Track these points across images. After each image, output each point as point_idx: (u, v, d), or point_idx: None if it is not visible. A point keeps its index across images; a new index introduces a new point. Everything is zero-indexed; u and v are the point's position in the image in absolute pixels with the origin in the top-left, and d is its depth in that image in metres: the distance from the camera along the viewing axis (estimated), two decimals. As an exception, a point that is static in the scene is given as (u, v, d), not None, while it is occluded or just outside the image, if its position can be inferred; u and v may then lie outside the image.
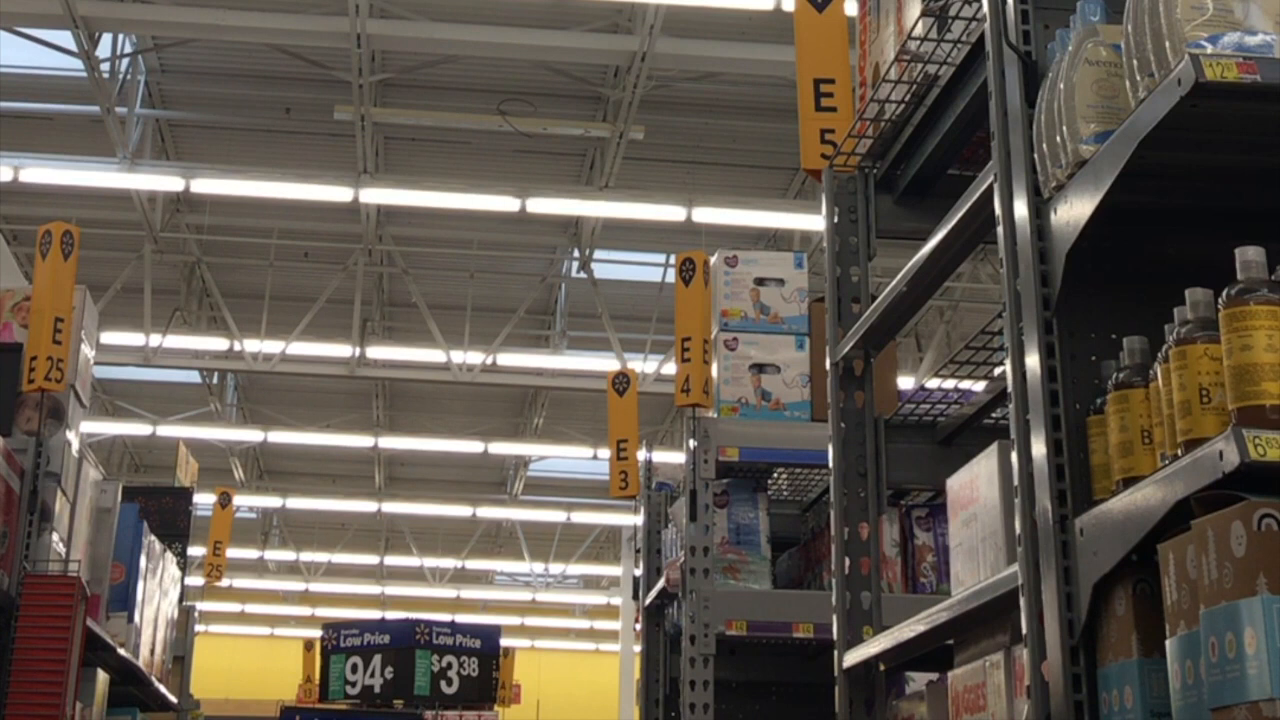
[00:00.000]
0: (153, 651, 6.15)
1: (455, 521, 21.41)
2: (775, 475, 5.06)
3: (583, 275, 13.85)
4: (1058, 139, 2.24)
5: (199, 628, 9.45)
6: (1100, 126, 2.17)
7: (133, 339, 13.51)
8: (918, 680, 3.30)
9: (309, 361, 14.14)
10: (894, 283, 3.05)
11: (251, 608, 26.35)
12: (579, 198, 12.00)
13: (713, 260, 5.02)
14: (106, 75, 10.79)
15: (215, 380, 16.99)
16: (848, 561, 3.24)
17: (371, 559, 23.95)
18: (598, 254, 13.83)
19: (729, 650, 4.72)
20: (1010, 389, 2.37)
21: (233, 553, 19.14)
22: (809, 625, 4.36)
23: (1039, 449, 2.26)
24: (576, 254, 13.78)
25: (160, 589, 6.26)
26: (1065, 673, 2.14)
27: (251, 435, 17.03)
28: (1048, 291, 2.29)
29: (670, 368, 13.95)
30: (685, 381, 5.06)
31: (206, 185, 11.41)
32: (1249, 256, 1.92)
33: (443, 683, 8.14)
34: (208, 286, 14.47)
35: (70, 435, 4.73)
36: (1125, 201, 2.18)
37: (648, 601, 5.95)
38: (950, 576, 2.81)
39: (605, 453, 15.11)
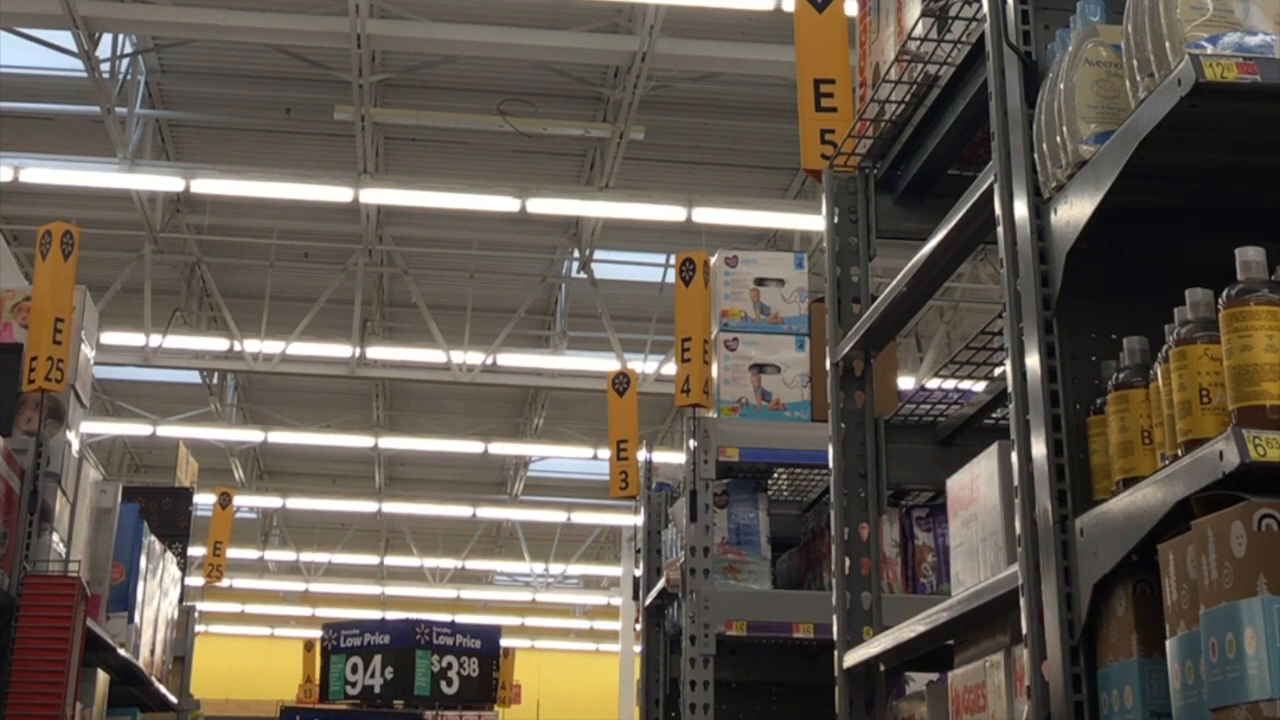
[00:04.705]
0: (153, 651, 6.15)
1: (455, 521, 21.41)
2: (775, 475, 5.06)
3: (583, 275, 13.85)
4: (1058, 139, 2.24)
5: (199, 628, 9.45)
6: (1100, 127, 2.17)
7: (133, 339, 13.50)
8: (918, 680, 3.30)
9: (309, 361, 14.14)
10: (894, 283, 3.05)
11: (251, 608, 26.35)
12: (579, 198, 12.00)
13: (713, 260, 5.02)
14: (106, 75, 10.79)
15: (215, 380, 16.99)
16: (848, 561, 3.24)
17: (371, 559, 23.95)
18: (598, 254, 13.83)
19: (729, 650, 4.72)
20: (1010, 389, 2.37)
21: (233, 553, 19.12)
22: (809, 625, 4.37)
23: (1039, 449, 2.26)
24: (576, 254, 13.78)
25: (160, 589, 6.25)
26: (1065, 673, 2.14)
27: (251, 435, 17.03)
28: (1048, 291, 2.29)
29: (670, 368, 13.95)
30: (685, 381, 5.05)
31: (206, 185, 11.40)
32: (1249, 256, 1.92)
33: (443, 683, 8.14)
34: (208, 286, 14.46)
35: (70, 435, 4.73)
36: (1125, 202, 2.18)
37: (648, 602, 5.95)
38: (950, 576, 2.81)
39: (605, 453, 15.11)
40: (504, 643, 9.56)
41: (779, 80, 10.40)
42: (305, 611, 25.96)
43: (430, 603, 24.59)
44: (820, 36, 3.88)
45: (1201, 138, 2.07)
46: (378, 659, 8.11)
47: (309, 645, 14.97)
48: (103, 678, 5.26)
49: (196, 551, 12.72)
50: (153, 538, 5.94)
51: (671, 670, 5.74)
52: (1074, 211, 2.20)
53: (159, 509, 8.45)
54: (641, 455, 6.78)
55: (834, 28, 3.91)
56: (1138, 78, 2.04)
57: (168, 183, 11.59)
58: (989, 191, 2.51)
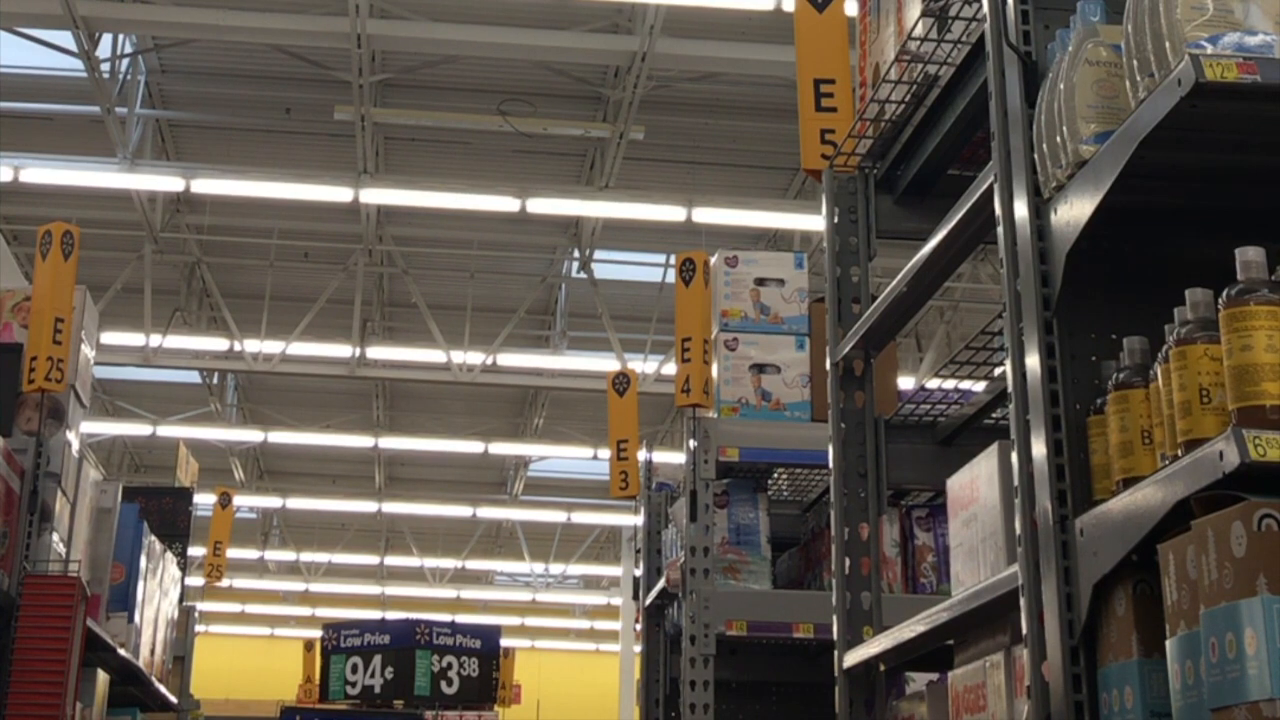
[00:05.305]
0: (153, 651, 6.15)
1: (455, 521, 21.41)
2: (775, 475, 5.06)
3: (583, 275, 13.85)
4: (1058, 139, 2.24)
5: (199, 628, 9.45)
6: (1100, 127, 2.17)
7: (133, 339, 13.51)
8: (918, 680, 3.30)
9: (309, 361, 14.14)
10: (894, 283, 3.05)
11: (251, 608, 26.35)
12: (579, 198, 12.00)
13: (713, 260, 5.02)
14: (106, 75, 10.80)
15: (215, 380, 16.99)
16: (848, 561, 3.24)
17: (371, 559, 23.95)
18: (598, 254, 13.83)
19: (729, 650, 4.72)
20: (1010, 389, 2.37)
21: (233, 553, 19.13)
22: (809, 625, 4.36)
23: (1039, 449, 2.26)
24: (576, 254, 13.78)
25: (160, 589, 6.25)
26: (1065, 673, 2.14)
27: (251, 435, 17.03)
28: (1048, 291, 2.29)
29: (670, 368, 13.95)
30: (685, 381, 5.05)
31: (206, 185, 11.41)
32: (1249, 256, 1.92)
33: (443, 683, 8.14)
34: (208, 286, 14.47)
35: (70, 435, 4.73)
36: (1125, 202, 2.18)
37: (648, 601, 5.95)
38: (950, 576, 2.81)
39: (605, 453, 15.11)
40: (504, 643, 9.56)
41: (779, 80, 10.40)
42: (305, 611, 25.96)
43: (430, 603, 24.59)
44: (820, 36, 3.88)
45: (1201, 138, 2.07)
46: (378, 659, 8.11)
47: (309, 645, 14.97)
48: (103, 678, 5.26)
49: (196, 551, 12.73)
50: (153, 538, 5.94)
51: (671, 670, 5.74)
52: (1074, 211, 2.20)
53: (159, 509, 8.45)
54: (641, 455, 6.77)
55: (834, 28, 3.91)
56: (1138, 78, 2.04)
57: (168, 183, 11.59)
58: (989, 191, 2.51)
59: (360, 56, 10.17)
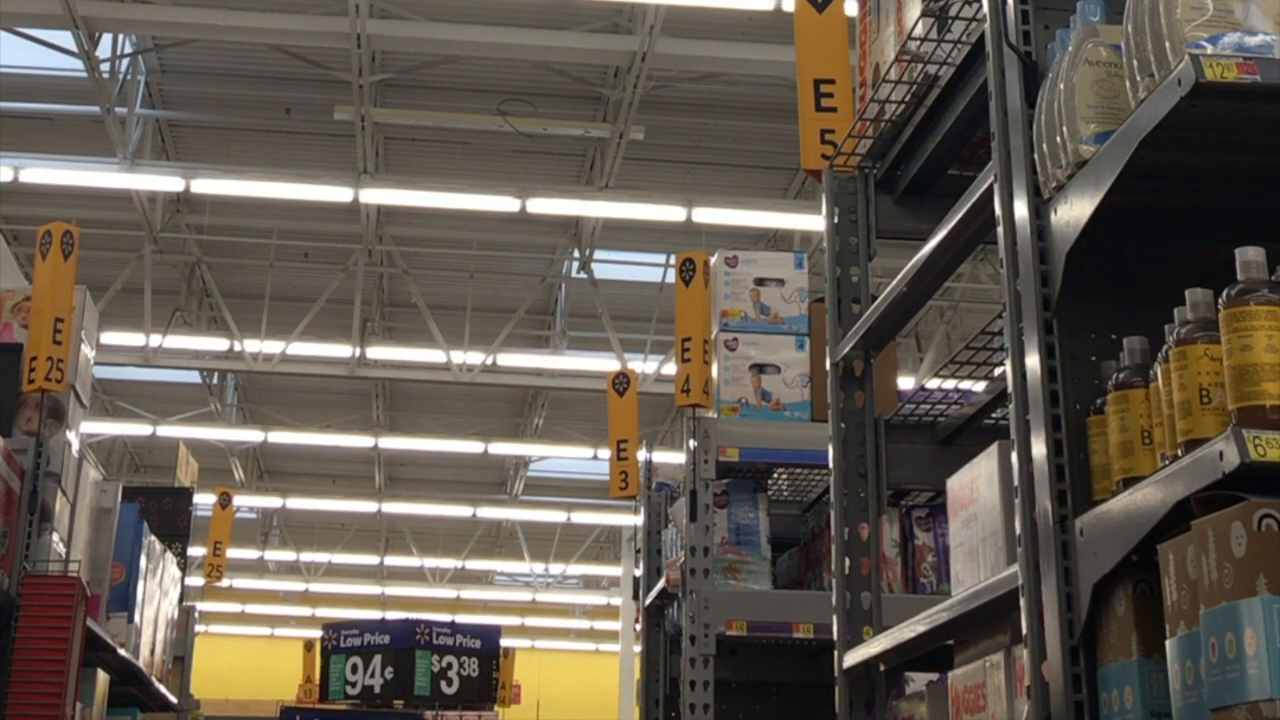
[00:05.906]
0: (153, 651, 6.15)
1: (455, 521, 21.41)
2: (775, 475, 5.06)
3: (583, 275, 13.85)
4: (1058, 139, 2.24)
5: (199, 628, 9.45)
6: (1100, 127, 2.17)
7: (133, 339, 13.51)
8: (918, 680, 3.30)
9: (309, 361, 14.15)
10: (894, 283, 3.05)
11: (251, 608, 26.35)
12: (579, 198, 12.00)
13: (713, 260, 5.02)
14: (106, 75, 10.80)
15: (215, 380, 16.99)
16: (848, 561, 3.24)
17: (371, 559, 23.95)
18: (598, 254, 13.83)
19: (729, 650, 4.72)
20: (1010, 389, 2.37)
21: (233, 553, 19.11)
22: (809, 625, 4.37)
23: (1039, 449, 2.26)
24: (576, 254, 13.78)
25: (160, 589, 6.25)
26: (1065, 673, 2.14)
27: (251, 435, 17.03)
28: (1048, 291, 2.29)
29: (670, 368, 13.95)
30: (685, 381, 5.05)
31: (206, 185, 11.41)
32: (1249, 256, 1.92)
33: (443, 683, 8.14)
34: (208, 286, 14.47)
35: (70, 435, 4.73)
36: (1125, 202, 2.18)
37: (648, 602, 5.95)
38: (950, 576, 2.81)
39: (605, 453, 15.12)
40: (504, 643, 9.56)
41: (779, 80, 10.40)
42: (305, 611, 25.95)
43: (430, 603, 24.59)
44: (820, 36, 3.88)
45: (1201, 138, 2.07)
46: (378, 659, 8.11)
47: (309, 645, 14.97)
48: (103, 678, 5.26)
49: (196, 551, 12.72)
50: (153, 538, 5.93)
51: (671, 670, 5.73)
52: (1074, 211, 2.20)
53: (159, 509, 8.45)
54: (641, 455, 6.77)
55: (834, 28, 3.91)
56: (1138, 78, 2.04)
57: (168, 183, 11.59)
58: (989, 191, 2.51)
59: (360, 56, 10.17)
